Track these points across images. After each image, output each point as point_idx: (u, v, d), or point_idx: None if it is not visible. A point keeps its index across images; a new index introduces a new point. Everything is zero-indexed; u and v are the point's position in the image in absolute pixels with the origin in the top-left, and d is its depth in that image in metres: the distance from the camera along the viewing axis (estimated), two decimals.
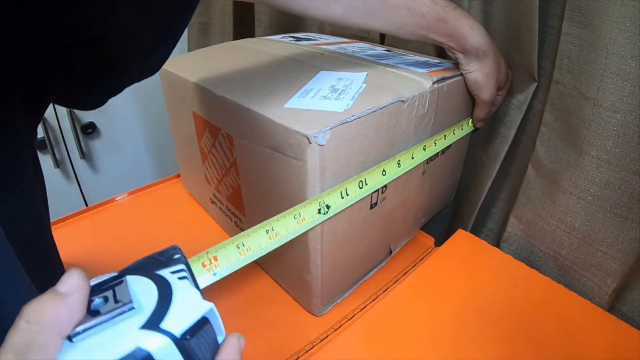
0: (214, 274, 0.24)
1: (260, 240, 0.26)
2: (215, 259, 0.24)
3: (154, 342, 0.16)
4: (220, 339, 0.20)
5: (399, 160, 0.35)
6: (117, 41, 0.25)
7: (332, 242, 0.35)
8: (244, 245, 0.25)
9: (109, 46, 0.25)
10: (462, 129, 0.45)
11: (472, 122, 0.46)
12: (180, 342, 0.17)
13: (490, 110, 0.45)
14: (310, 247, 0.34)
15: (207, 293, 0.23)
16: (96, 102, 0.31)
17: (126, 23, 0.24)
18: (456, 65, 0.42)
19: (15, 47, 0.22)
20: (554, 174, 0.42)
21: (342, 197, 0.30)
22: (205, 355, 0.18)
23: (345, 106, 0.31)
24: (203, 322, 0.18)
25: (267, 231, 0.27)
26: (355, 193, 0.31)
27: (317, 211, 0.29)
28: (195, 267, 0.23)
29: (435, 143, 0.40)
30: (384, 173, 0.33)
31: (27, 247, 0.25)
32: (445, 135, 0.41)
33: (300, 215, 0.28)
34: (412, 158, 0.37)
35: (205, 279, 0.23)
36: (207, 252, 0.24)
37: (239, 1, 0.36)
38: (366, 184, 0.32)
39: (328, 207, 0.29)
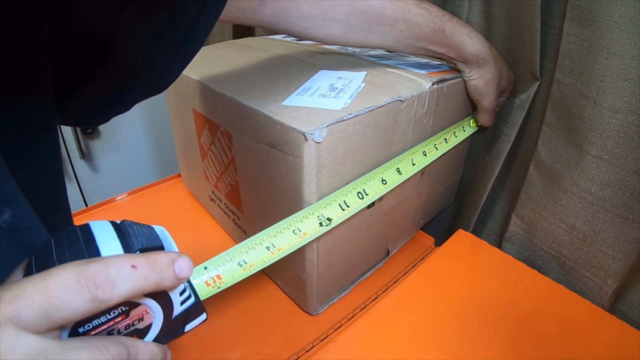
0: (218, 288, 0.24)
1: (263, 256, 0.26)
2: (219, 277, 0.24)
3: (93, 221, 0.20)
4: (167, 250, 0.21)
5: (399, 168, 0.35)
6: (124, 51, 0.25)
7: (328, 240, 0.35)
8: (246, 263, 0.26)
9: (116, 55, 0.25)
10: (464, 131, 0.44)
11: (474, 122, 0.46)
12: (115, 223, 0.20)
13: (493, 117, 0.45)
14: (306, 245, 0.34)
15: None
16: (104, 119, 0.31)
17: (133, 31, 0.24)
18: (456, 70, 0.42)
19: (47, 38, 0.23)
20: (555, 174, 0.42)
21: (343, 209, 0.30)
22: (138, 241, 0.20)
23: (343, 104, 0.31)
24: (147, 226, 0.21)
25: (267, 248, 0.27)
26: (356, 204, 0.31)
27: (319, 224, 0.29)
28: (199, 286, 0.23)
29: (436, 147, 0.39)
30: (384, 182, 0.33)
31: (48, 201, 0.26)
32: (446, 139, 0.41)
33: (300, 230, 0.28)
34: (413, 165, 0.36)
35: (209, 291, 0.24)
36: (207, 269, 0.24)
37: (239, 24, 0.37)
38: (366, 194, 0.32)
39: (329, 220, 0.29)
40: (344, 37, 0.38)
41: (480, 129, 0.47)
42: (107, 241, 0.19)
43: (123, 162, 1.10)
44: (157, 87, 0.30)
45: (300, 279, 0.37)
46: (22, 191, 0.21)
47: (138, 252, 0.19)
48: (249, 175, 0.38)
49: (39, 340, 0.15)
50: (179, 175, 0.63)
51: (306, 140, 0.28)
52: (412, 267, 0.46)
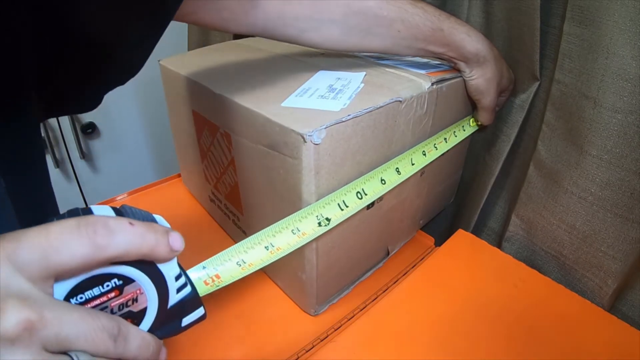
0: (217, 286, 0.24)
1: (261, 255, 0.26)
2: (217, 276, 0.24)
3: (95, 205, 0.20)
4: None
5: (398, 168, 0.35)
6: (108, 36, 0.25)
7: (328, 240, 0.35)
8: (244, 262, 0.26)
9: (101, 42, 0.25)
10: (464, 130, 0.44)
11: (474, 122, 0.46)
12: (115, 207, 0.20)
13: (493, 116, 0.45)
14: (305, 245, 0.34)
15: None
16: (93, 102, 0.31)
17: (117, 17, 0.24)
18: (456, 70, 0.42)
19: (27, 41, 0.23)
20: (555, 174, 0.42)
21: (342, 209, 0.30)
22: (137, 219, 0.20)
23: (341, 105, 0.31)
24: (145, 211, 0.21)
25: (266, 247, 0.27)
26: (355, 204, 0.31)
27: (318, 224, 0.29)
28: (198, 285, 0.23)
29: (435, 147, 0.39)
30: (383, 182, 0.33)
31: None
32: (445, 139, 0.41)
33: (299, 230, 0.28)
34: (413, 164, 0.36)
35: (207, 289, 0.24)
36: (205, 268, 0.24)
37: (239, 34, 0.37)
38: (365, 194, 0.32)
39: (328, 220, 0.29)
40: (342, 40, 0.37)
41: (480, 128, 0.47)
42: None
43: (123, 162, 1.10)
44: (133, 66, 0.29)
45: (300, 279, 0.37)
46: (14, 200, 0.21)
47: None
48: (248, 176, 0.38)
49: (31, 288, 0.15)
50: (179, 175, 0.63)
51: (305, 141, 0.28)
52: (412, 267, 0.46)
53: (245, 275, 0.26)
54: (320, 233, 0.29)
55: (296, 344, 0.37)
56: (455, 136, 0.42)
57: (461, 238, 0.47)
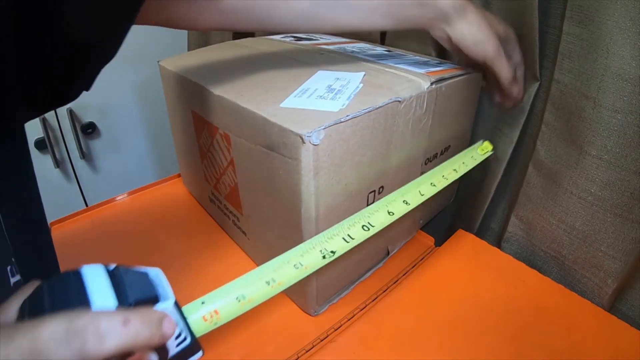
0: (215, 324, 0.24)
1: (262, 290, 0.26)
2: (217, 312, 0.24)
3: (87, 265, 0.19)
4: (162, 300, 0.20)
5: (405, 200, 0.33)
6: (97, 33, 0.25)
7: None
8: (244, 297, 0.25)
9: (90, 39, 0.25)
10: (474, 159, 0.41)
11: (483, 150, 0.42)
12: (108, 269, 0.19)
13: (515, 79, 0.40)
14: None
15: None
16: (80, 90, 0.30)
17: (100, 13, 0.24)
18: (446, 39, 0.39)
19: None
20: (554, 174, 0.42)
21: (347, 242, 0.29)
22: (133, 292, 0.19)
23: (340, 106, 0.31)
24: (141, 273, 0.20)
25: (267, 282, 0.26)
26: (361, 236, 0.30)
27: (322, 257, 0.28)
28: (197, 324, 0.23)
29: (445, 178, 0.37)
30: (390, 214, 0.32)
31: (29, 247, 0.26)
32: (455, 169, 0.38)
33: (302, 265, 0.27)
34: (422, 195, 0.34)
35: (206, 327, 0.23)
36: (204, 303, 0.24)
37: (238, 32, 0.36)
38: (372, 226, 0.30)
39: (333, 252, 0.28)
40: (313, 13, 0.35)
41: (507, 104, 0.43)
42: (100, 291, 0.18)
43: (123, 162, 1.10)
44: (112, 55, 0.29)
45: (300, 280, 0.37)
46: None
47: (132, 305, 0.19)
48: (248, 177, 0.38)
49: None
50: (179, 175, 0.63)
51: (303, 142, 0.28)
52: (412, 267, 0.46)
53: (244, 312, 0.25)
54: (324, 264, 0.28)
55: (296, 344, 0.37)
56: (466, 165, 0.40)
57: (461, 238, 0.47)
